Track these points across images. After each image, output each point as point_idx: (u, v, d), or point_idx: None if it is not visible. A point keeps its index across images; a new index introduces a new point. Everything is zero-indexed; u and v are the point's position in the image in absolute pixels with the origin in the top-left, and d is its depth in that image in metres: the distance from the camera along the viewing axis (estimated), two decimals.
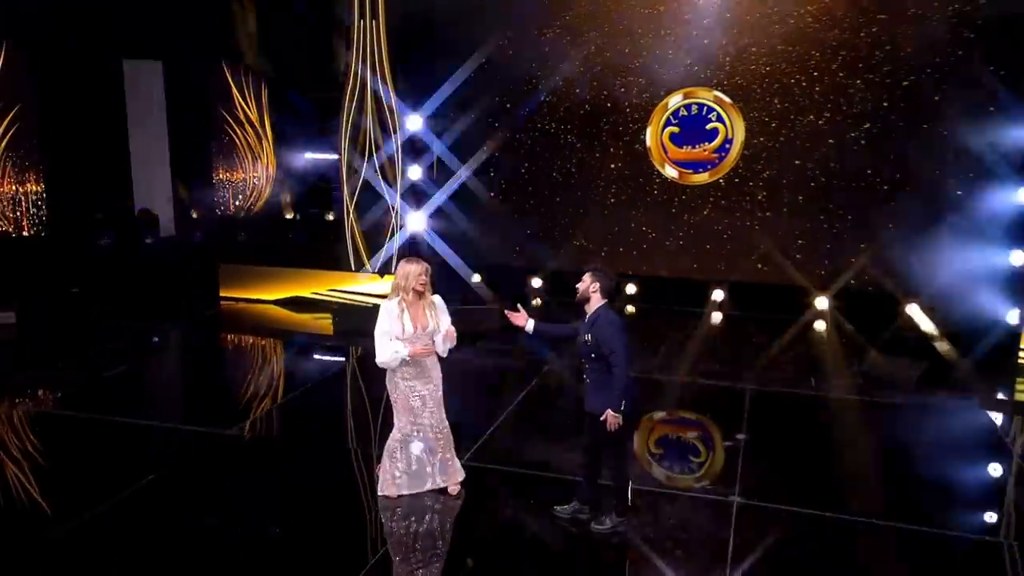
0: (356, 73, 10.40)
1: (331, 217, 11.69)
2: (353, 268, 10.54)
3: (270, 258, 11.33)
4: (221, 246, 11.91)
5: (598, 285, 4.61)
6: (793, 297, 9.83)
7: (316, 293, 10.71)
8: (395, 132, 10.57)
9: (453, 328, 4.93)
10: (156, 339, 9.32)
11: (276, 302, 10.86)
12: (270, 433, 6.57)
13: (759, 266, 10.04)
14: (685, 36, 10.12)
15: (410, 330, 4.87)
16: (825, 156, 9.68)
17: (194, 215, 12.48)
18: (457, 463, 5.23)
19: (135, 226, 11.99)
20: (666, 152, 10.45)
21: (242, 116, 12.49)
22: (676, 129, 10.46)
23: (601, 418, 4.52)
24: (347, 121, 10.67)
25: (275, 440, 6.42)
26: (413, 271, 4.91)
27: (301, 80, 11.92)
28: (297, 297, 10.74)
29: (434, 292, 4.98)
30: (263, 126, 12.62)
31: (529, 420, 6.65)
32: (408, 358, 4.81)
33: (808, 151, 9.80)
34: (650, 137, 10.46)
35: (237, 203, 12.70)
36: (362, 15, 10.41)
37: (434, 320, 4.93)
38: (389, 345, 4.81)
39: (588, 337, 4.53)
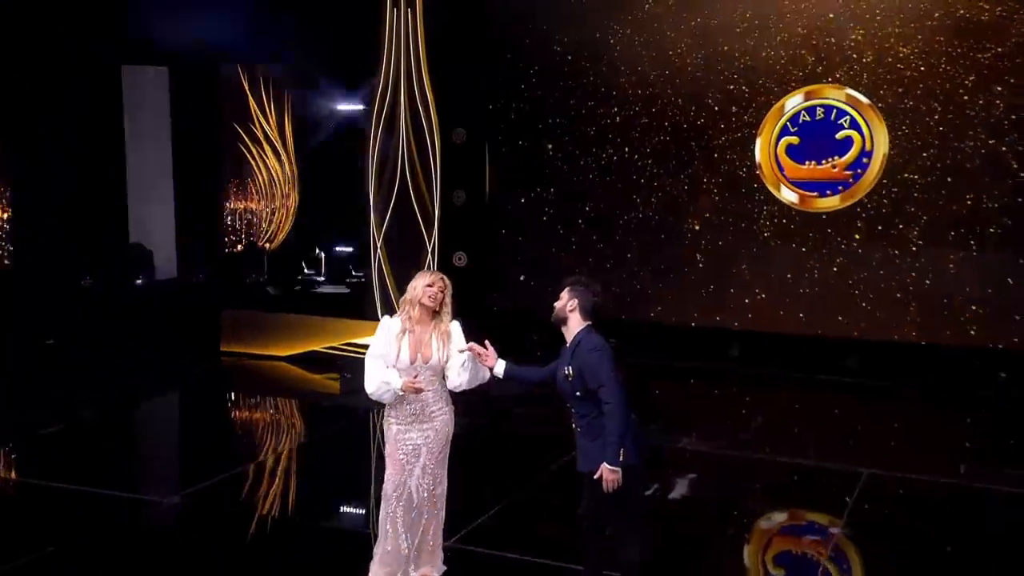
0: (387, 81, 10.79)
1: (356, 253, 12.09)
2: (380, 318, 10.01)
3: (287, 304, 11.74)
4: (228, 289, 12.32)
5: (576, 303, 4.51)
6: (968, 361, 9.61)
7: (333, 348, 10.77)
8: (435, 154, 10.79)
9: (479, 347, 4.78)
10: (126, 396, 9.58)
11: (287, 359, 10.98)
12: (217, 504, 6.67)
13: (913, 320, 9.79)
14: (805, 22, 10.05)
15: (406, 359, 4.75)
16: (1010, 187, 9.36)
17: (198, 251, 12.95)
18: (440, 550, 5.06)
19: (124, 264, 12.25)
20: (782, 170, 10.25)
21: (260, 133, 13.06)
22: (795, 140, 10.26)
23: (595, 476, 4.32)
24: (376, 138, 10.98)
25: (221, 512, 6.52)
26: (422, 282, 4.82)
27: (331, 88, 12.58)
28: (313, 353, 10.88)
29: (454, 317, 4.83)
30: (285, 146, 13.17)
31: (502, 489, 6.72)
32: (401, 392, 4.70)
33: (979, 177, 9.53)
34: (760, 151, 10.31)
35: (251, 238, 13.22)
36: (395, 3, 10.76)
37: (442, 351, 4.78)
38: (379, 372, 4.71)
39: (569, 370, 4.44)
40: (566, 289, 4.58)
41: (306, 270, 12.89)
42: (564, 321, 4.55)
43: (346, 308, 11.33)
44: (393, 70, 10.79)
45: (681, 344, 10.46)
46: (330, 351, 10.72)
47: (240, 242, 13.26)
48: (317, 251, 12.95)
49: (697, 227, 10.59)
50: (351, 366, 9.66)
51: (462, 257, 10.65)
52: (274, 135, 13.12)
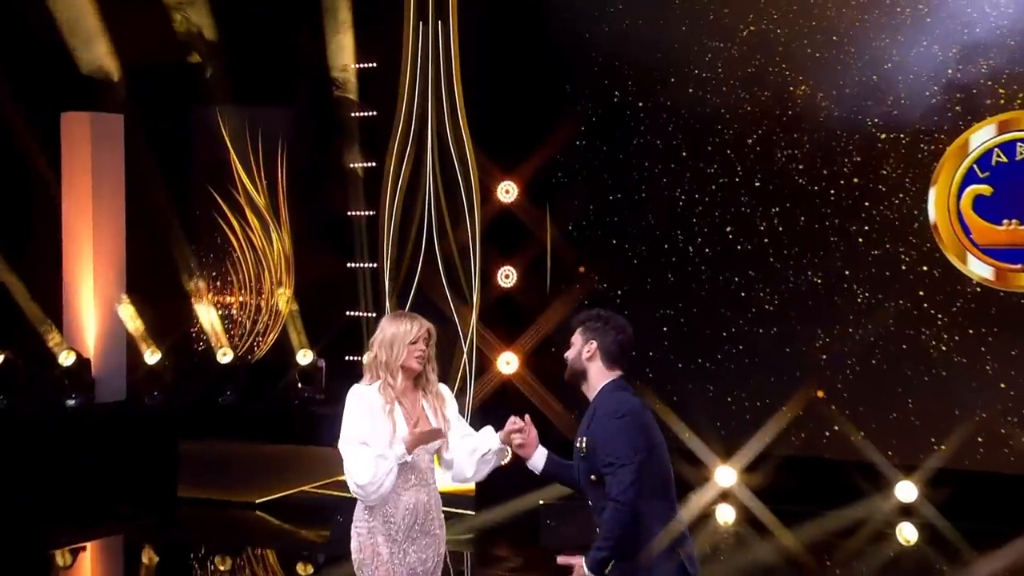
0: (408, 120, 11.27)
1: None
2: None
3: (275, 431, 12.06)
4: (192, 413, 12.46)
5: (594, 346, 4.68)
6: None
7: (320, 488, 11.16)
8: (472, 212, 11.24)
9: (517, 433, 5.10)
10: (41, 558, 9.77)
11: (262, 505, 11.39)
12: None
13: None
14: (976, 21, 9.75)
15: (402, 454, 4.98)
16: None
17: (155, 361, 13.03)
18: None
19: (51, 381, 12.31)
20: (968, 232, 9.98)
21: (243, 199, 13.22)
22: (986, 190, 9.95)
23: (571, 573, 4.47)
24: (394, 197, 11.47)
25: None
26: (404, 333, 5.06)
27: (334, 139, 12.84)
28: (296, 496, 11.29)
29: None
30: (278, 217, 13.28)
31: None
32: (408, 458, 4.97)
33: None
34: (936, 206, 10.04)
35: (226, 344, 13.38)
36: (421, 17, 11.15)
37: (439, 420, 5.09)
38: (369, 458, 4.90)
39: (581, 442, 4.63)
40: (578, 331, 4.72)
41: (300, 385, 12.86)
42: (583, 375, 4.68)
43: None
44: (417, 106, 11.29)
45: (821, 485, 10.12)
46: (321, 491, 11.13)
47: (212, 350, 13.37)
48: (317, 360, 12.99)
49: (849, 319, 10.35)
50: (344, 507, 9.18)
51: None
52: (262, 201, 13.30)
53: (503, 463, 5.26)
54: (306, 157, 13.25)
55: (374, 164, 12.07)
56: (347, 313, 12.72)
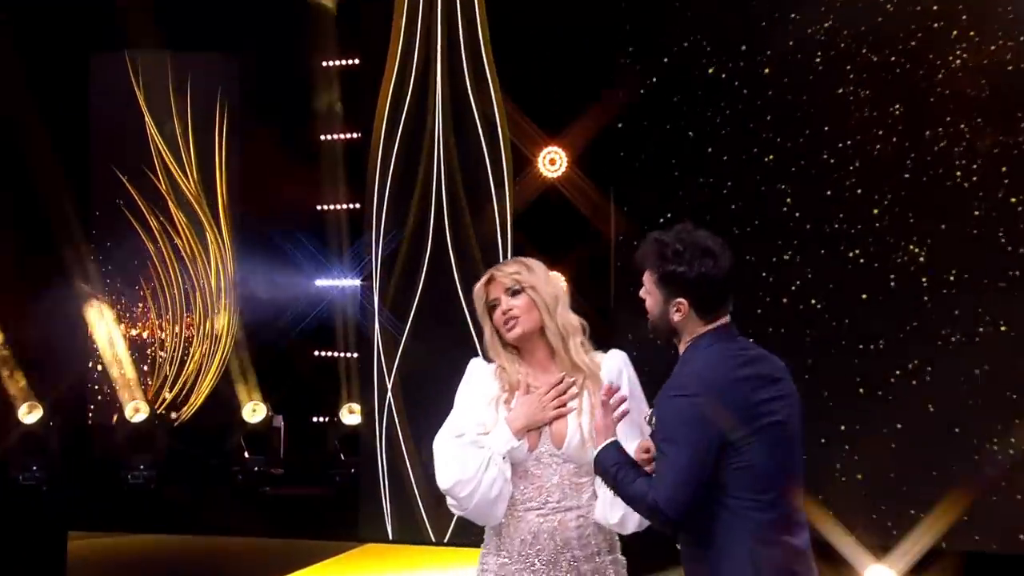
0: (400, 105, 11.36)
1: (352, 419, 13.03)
2: (392, 538, 11.46)
3: (208, 523, 11.96)
4: (87, 496, 12.37)
5: (682, 303, 4.56)
6: None
7: None
8: (501, 195, 11.28)
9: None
10: None
11: None
12: None
13: None
14: None
15: (507, 438, 4.93)
16: None
17: (34, 421, 12.89)
18: None
19: None
20: None
21: (165, 185, 13.32)
22: None
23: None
24: (385, 181, 11.48)
25: None
26: (477, 295, 5.09)
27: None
28: None
29: (607, 347, 5.14)
30: (216, 214, 13.29)
31: None
32: (515, 443, 4.94)
33: None
34: None
35: (143, 394, 13.36)
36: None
37: (579, 424, 4.95)
38: (459, 447, 4.92)
39: (651, 416, 4.59)
40: (648, 273, 4.63)
41: (248, 455, 12.98)
42: (671, 330, 4.63)
43: (327, 521, 12.05)
44: (419, 49, 11.37)
45: None
46: None
47: (118, 405, 13.29)
48: (273, 418, 13.14)
49: None
50: None
51: None
52: (192, 189, 13.13)
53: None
54: (258, 126, 13.25)
55: (358, 135, 12.23)
56: (316, 353, 12.85)
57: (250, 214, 13.38)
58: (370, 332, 11.56)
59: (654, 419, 4.59)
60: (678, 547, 4.66)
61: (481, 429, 4.96)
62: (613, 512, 4.95)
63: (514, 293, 4.94)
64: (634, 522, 4.90)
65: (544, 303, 4.97)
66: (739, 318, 7.37)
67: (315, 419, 12.91)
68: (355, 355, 12.17)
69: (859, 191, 11.05)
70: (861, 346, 10.96)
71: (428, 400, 11.03)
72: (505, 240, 11.25)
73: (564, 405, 4.94)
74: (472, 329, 10.87)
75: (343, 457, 13.39)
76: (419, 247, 11.35)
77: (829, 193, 11.09)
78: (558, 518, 4.98)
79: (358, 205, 11.88)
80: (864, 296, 11.09)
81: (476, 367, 5.09)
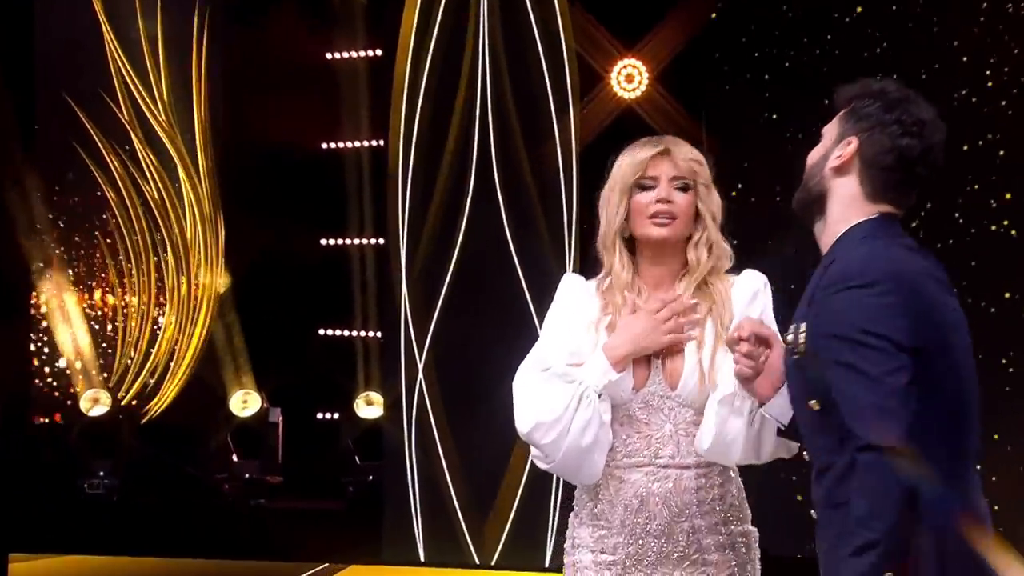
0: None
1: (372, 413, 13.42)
2: (423, 559, 11.74)
3: (187, 541, 12.13)
4: (33, 510, 12.44)
5: (854, 146, 4.24)
6: None
7: None
8: (564, 118, 11.33)
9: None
10: None
11: None
12: None
13: None
14: None
15: (604, 368, 4.75)
16: None
17: None
18: None
19: None
20: None
21: (128, 116, 13.32)
22: None
23: None
24: (414, 110, 11.55)
25: None
26: (627, 169, 4.77)
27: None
28: None
29: (740, 268, 5.01)
30: (194, 157, 13.32)
31: None
32: (614, 376, 4.75)
33: None
34: None
35: (102, 383, 13.45)
36: None
37: (700, 360, 4.80)
38: (544, 382, 4.79)
39: (796, 335, 4.23)
40: (839, 115, 4.37)
41: (237, 458, 13.15)
42: (819, 200, 4.40)
43: (338, 540, 12.08)
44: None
45: None
46: None
47: (72, 396, 13.55)
48: (267, 411, 13.30)
49: None
50: None
51: None
52: (164, 122, 13.16)
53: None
54: (247, 38, 13.55)
55: (378, 52, 12.31)
56: (322, 331, 13.24)
57: (238, 158, 13.13)
58: (396, 303, 11.48)
59: (802, 335, 4.25)
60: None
61: (574, 359, 4.78)
62: (705, 435, 4.75)
63: (683, 187, 4.70)
64: (752, 449, 4.70)
65: (709, 211, 4.73)
66: None
67: (323, 414, 12.79)
68: (375, 333, 12.02)
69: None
70: None
71: (470, 388, 11.22)
72: (569, 179, 11.10)
73: (682, 330, 4.76)
74: (529, 297, 11.21)
75: (359, 461, 13.42)
76: (457, 194, 11.25)
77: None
78: (672, 478, 4.75)
79: (380, 142, 11.84)
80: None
81: (571, 283, 4.89)
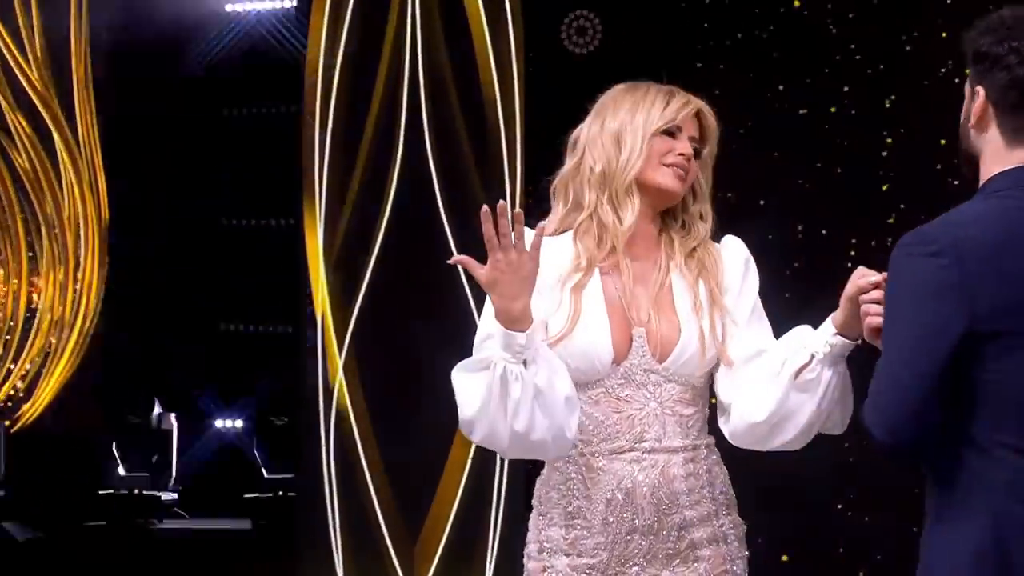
0: None
1: None
2: None
3: (64, 565, 12.26)
4: None
5: (981, 95, 3.78)
6: None
7: None
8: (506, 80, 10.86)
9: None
10: None
11: None
12: None
13: None
14: None
15: (600, 346, 4.42)
16: None
17: None
18: None
19: None
20: None
21: (6, 97, 13.01)
22: None
23: None
24: (331, 71, 10.93)
25: None
26: (648, 114, 4.51)
27: None
28: None
29: (720, 234, 4.66)
30: (68, 118, 12.78)
31: None
32: (583, 371, 4.42)
33: None
34: None
35: None
36: None
37: (714, 321, 4.49)
38: (466, 371, 4.32)
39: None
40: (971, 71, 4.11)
41: (122, 471, 12.59)
42: (972, 165, 3.92)
43: (242, 565, 12.10)
44: None
45: None
46: None
47: None
48: (160, 418, 12.85)
49: None
50: None
51: None
52: (36, 78, 12.67)
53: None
54: None
55: (292, 3, 12.52)
56: (224, 325, 13.04)
57: (123, 117, 12.66)
58: (310, 292, 10.55)
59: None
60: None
61: (551, 341, 4.43)
62: (762, 407, 4.35)
63: (696, 152, 4.45)
64: (794, 431, 4.32)
65: (708, 182, 4.54)
66: None
67: (224, 421, 12.69)
68: (285, 328, 11.64)
69: None
70: None
71: (397, 388, 10.24)
72: (513, 150, 10.12)
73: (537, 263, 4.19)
74: (466, 283, 10.01)
75: (267, 474, 12.80)
76: (383, 166, 10.05)
77: None
78: (660, 464, 4.40)
79: (292, 107, 11.88)
80: None
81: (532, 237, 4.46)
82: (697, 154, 4.51)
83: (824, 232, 10.64)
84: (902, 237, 3.78)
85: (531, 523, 4.52)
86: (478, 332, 4.41)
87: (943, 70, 10.46)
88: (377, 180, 10.72)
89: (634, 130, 4.45)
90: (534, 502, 4.53)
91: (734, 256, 4.59)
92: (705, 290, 4.50)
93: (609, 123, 4.51)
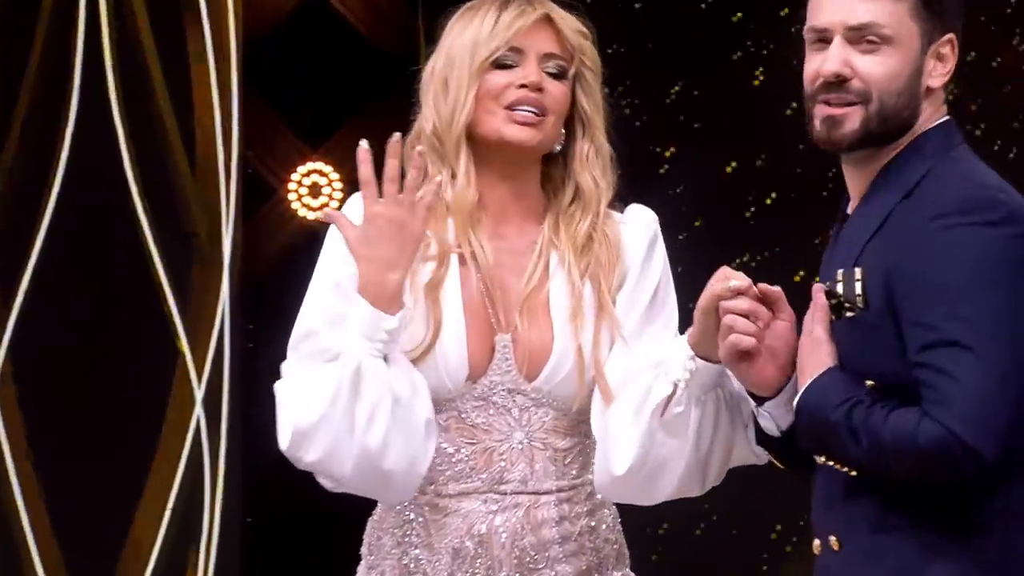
0: None
1: None
2: None
3: None
4: None
5: (953, 44, 4.10)
6: None
7: None
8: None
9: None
10: None
11: None
12: None
13: None
14: None
15: (454, 358, 4.28)
16: None
17: None
18: None
19: None
20: None
21: None
22: None
23: None
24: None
25: None
26: (473, 41, 4.41)
27: None
28: None
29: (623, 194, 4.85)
30: None
31: None
32: (392, 324, 4.23)
33: None
34: None
35: None
36: None
37: (578, 337, 4.41)
38: (302, 366, 4.26)
39: (850, 280, 3.99)
40: (910, 11, 4.00)
41: None
42: (904, 129, 4.03)
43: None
44: None
45: None
46: None
47: None
48: None
49: None
50: None
51: None
52: None
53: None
54: None
55: None
56: None
57: None
58: None
59: (860, 280, 3.86)
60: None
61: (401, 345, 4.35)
62: (618, 447, 4.19)
63: (559, 72, 4.16)
64: (674, 480, 4.17)
65: (598, 112, 4.25)
66: None
67: None
68: None
69: None
70: None
71: (68, 397, 9.86)
72: (228, 99, 9.62)
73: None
74: (161, 269, 9.81)
75: None
76: (51, 121, 9.58)
77: None
78: (524, 505, 4.21)
79: None
80: None
81: (355, 210, 4.24)
82: (562, 74, 4.15)
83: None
84: (934, 207, 3.54)
85: (359, 574, 4.29)
86: (298, 324, 4.05)
87: None
88: (44, 142, 9.82)
89: (460, 66, 4.17)
90: (363, 550, 4.27)
91: (638, 234, 4.31)
92: (592, 293, 4.19)
93: (438, 63, 4.22)
